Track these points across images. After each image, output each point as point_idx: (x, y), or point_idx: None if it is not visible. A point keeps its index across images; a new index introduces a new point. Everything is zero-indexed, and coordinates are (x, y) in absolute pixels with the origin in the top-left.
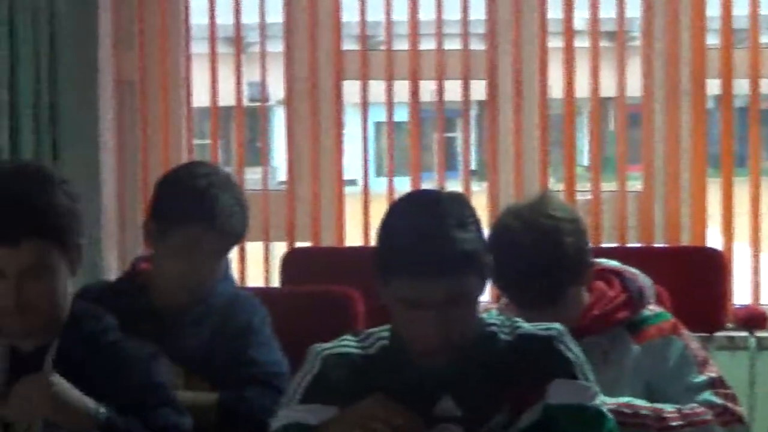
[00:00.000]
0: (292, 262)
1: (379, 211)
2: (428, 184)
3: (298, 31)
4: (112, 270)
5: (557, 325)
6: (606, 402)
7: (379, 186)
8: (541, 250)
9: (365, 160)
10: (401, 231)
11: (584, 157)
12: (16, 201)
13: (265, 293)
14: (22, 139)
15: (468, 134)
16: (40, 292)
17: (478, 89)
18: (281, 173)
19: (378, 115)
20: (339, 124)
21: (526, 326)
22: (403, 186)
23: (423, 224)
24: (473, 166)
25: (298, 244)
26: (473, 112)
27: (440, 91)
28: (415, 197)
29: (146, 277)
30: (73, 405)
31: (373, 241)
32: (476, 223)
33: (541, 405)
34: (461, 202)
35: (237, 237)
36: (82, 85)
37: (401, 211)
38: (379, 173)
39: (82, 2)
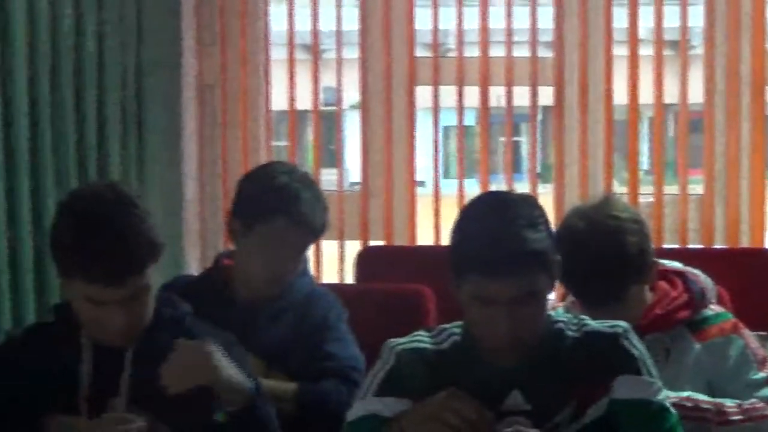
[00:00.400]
0: (366, 259)
1: (446, 211)
2: (495, 186)
3: (373, 38)
4: (194, 267)
5: (622, 323)
6: (668, 396)
7: (446, 187)
8: (605, 250)
9: (436, 163)
10: (474, 231)
11: (645, 162)
12: (114, 244)
13: (340, 290)
14: (109, 138)
15: (536, 138)
16: (140, 311)
17: (545, 95)
18: (353, 175)
19: (445, 119)
20: (411, 128)
21: (593, 324)
22: (472, 188)
23: (495, 224)
24: (538, 169)
25: (371, 243)
26: (538, 117)
27: (509, 96)
28: (487, 198)
29: (229, 272)
30: (229, 375)
31: (443, 241)
32: (546, 223)
33: (607, 400)
34: (531, 203)
35: (318, 232)
36: (166, 88)
37: (474, 211)
38: (446, 175)
39: (167, 12)
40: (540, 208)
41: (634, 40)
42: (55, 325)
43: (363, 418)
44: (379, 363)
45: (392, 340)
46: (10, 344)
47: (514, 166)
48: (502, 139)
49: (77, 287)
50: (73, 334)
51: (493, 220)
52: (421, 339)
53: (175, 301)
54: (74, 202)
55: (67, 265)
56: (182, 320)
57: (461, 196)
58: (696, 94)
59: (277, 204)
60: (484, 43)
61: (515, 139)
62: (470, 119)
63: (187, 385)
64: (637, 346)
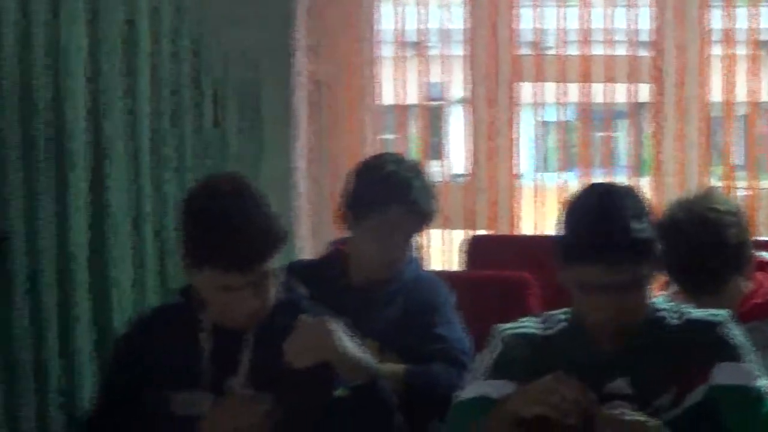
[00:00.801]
0: (473, 247)
1: (547, 202)
2: (593, 179)
3: (478, 36)
4: (305, 254)
5: (724, 312)
6: (766, 384)
7: (546, 180)
8: (705, 241)
9: (540, 157)
10: (583, 221)
11: (738, 157)
12: (241, 234)
13: (447, 276)
14: (227, 137)
15: (637, 134)
16: (265, 296)
17: (643, 92)
18: (454, 167)
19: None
20: (514, 123)
21: (694, 312)
22: (571, 181)
23: (603, 215)
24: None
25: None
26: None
27: (608, 93)
28: (595, 190)
29: (344, 258)
30: (352, 352)
31: (545, 230)
32: (649, 214)
33: (706, 387)
34: (636, 195)
35: (428, 218)
36: (280, 85)
37: (584, 201)
38: (546, 168)
39: (281, 13)
40: (643, 200)
41: (729, 40)
42: (179, 306)
43: (474, 399)
44: (488, 347)
45: (500, 324)
46: (137, 324)
47: (609, 160)
48: (600, 134)
49: (206, 276)
50: (195, 316)
51: (602, 210)
52: (528, 324)
53: (293, 284)
54: (200, 193)
55: (196, 255)
56: (299, 303)
57: (561, 188)
58: None
59: (390, 193)
60: (585, 42)
61: (606, 134)
62: (569, 115)
63: (309, 361)
64: (737, 334)
